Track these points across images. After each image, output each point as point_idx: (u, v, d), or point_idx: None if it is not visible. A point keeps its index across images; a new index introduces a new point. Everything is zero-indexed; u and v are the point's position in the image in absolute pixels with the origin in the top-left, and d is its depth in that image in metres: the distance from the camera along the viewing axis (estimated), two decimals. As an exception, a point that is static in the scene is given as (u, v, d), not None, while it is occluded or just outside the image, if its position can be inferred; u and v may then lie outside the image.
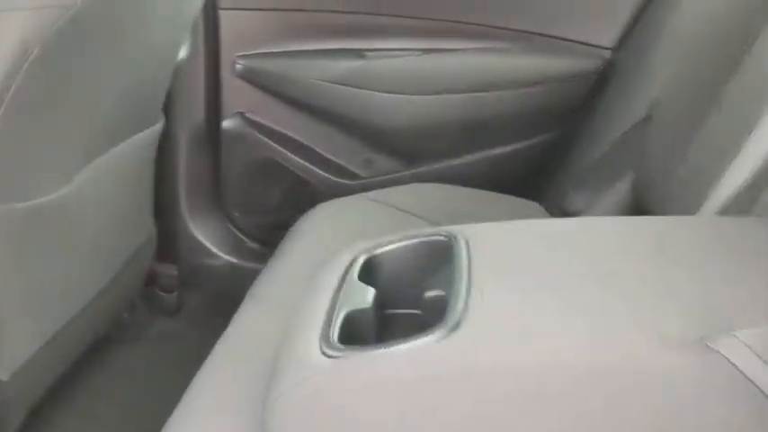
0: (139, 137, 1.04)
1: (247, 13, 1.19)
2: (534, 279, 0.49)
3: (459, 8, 1.18)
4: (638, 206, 0.89)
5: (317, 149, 1.27)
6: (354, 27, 1.19)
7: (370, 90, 1.19)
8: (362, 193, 1.07)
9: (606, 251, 0.53)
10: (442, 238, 0.55)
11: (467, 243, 0.53)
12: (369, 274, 0.55)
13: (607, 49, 1.17)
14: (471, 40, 1.19)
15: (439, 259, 0.53)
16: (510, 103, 1.20)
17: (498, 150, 1.25)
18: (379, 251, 0.57)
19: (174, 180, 1.26)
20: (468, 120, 1.22)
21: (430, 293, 0.53)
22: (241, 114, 1.24)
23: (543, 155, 1.25)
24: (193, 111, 1.24)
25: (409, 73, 1.19)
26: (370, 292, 0.52)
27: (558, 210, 1.04)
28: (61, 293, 0.94)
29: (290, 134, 1.26)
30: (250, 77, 1.22)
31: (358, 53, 1.20)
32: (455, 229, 0.56)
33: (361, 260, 0.56)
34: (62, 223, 0.89)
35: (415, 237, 0.57)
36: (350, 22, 1.19)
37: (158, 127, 1.10)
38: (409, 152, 1.27)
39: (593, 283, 0.49)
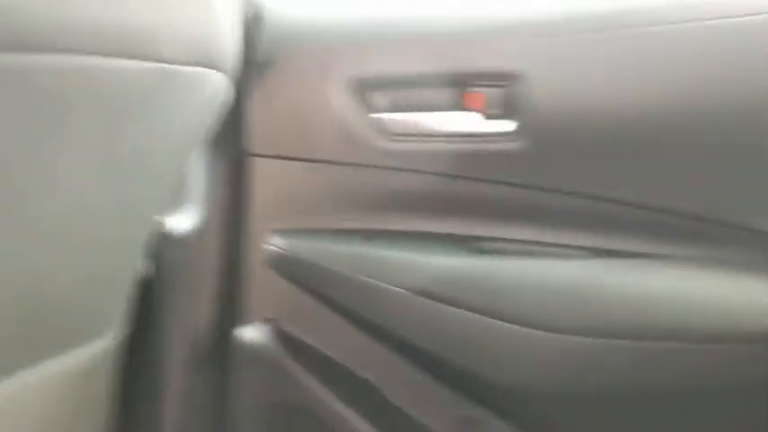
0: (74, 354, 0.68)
1: (295, 164, 0.75)
2: None
3: (662, 186, 0.68)
4: None
5: (385, 394, 0.78)
6: (468, 198, 0.71)
7: (484, 314, 0.69)
8: None
9: None
10: None
11: None
12: None
13: None
14: (674, 241, 0.68)
15: None
16: (749, 367, 0.66)
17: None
18: None
19: (156, 422, 0.81)
20: (664, 386, 0.68)
21: None
22: (268, 322, 0.79)
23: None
24: (194, 312, 0.79)
25: (562, 288, 0.69)
26: None
27: None
28: None
29: (342, 363, 0.79)
30: (288, 267, 0.77)
31: (471, 243, 0.72)
32: None
33: None
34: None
35: None
36: (462, 191, 0.71)
37: (103, 344, 0.71)
38: (543, 422, 0.75)
39: None
